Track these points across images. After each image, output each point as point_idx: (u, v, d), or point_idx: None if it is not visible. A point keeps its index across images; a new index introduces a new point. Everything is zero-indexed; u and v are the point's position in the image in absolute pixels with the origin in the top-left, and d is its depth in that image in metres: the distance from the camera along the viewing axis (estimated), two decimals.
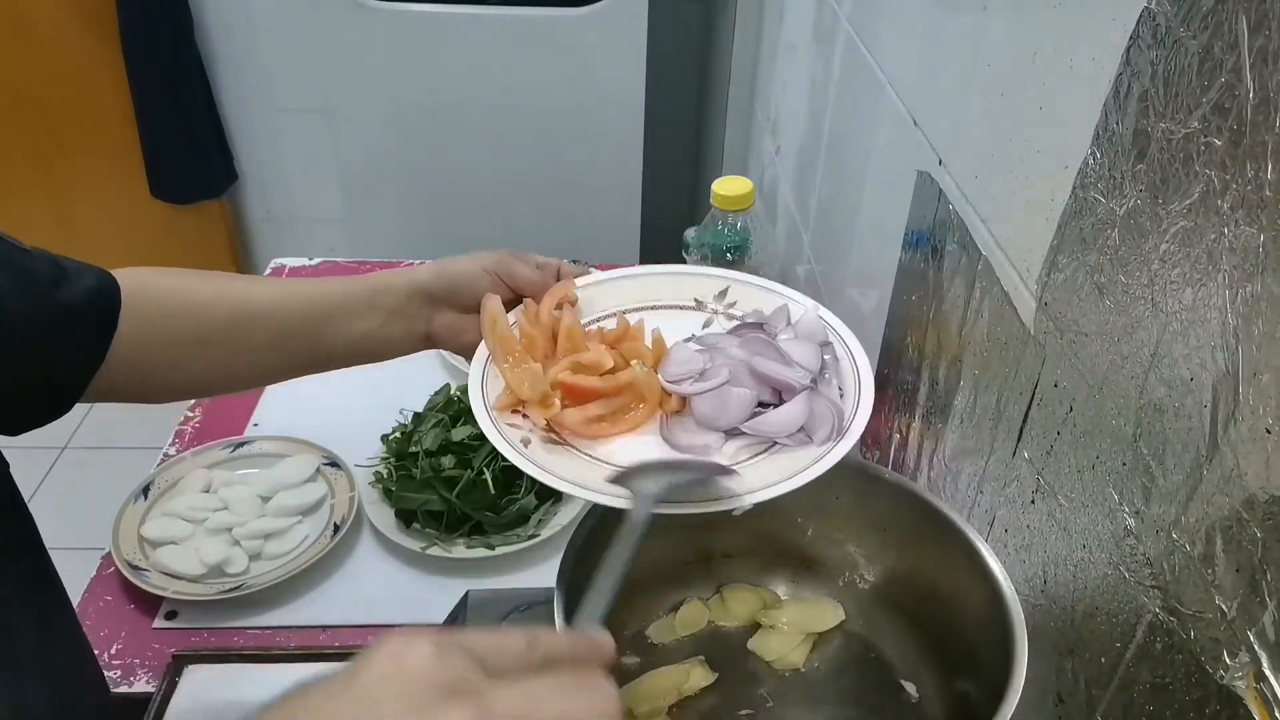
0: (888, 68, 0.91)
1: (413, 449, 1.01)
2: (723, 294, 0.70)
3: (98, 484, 1.40)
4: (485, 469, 0.97)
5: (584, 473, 0.55)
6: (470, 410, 1.01)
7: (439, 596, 0.90)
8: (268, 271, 1.44)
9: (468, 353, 0.67)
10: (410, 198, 1.98)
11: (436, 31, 1.78)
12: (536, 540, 0.97)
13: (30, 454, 2.24)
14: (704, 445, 0.58)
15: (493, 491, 0.96)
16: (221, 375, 0.70)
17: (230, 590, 0.91)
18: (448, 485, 0.97)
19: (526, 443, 0.57)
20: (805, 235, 1.29)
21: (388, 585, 0.95)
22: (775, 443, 0.58)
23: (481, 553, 0.96)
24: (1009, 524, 0.61)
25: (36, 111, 2.27)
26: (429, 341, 0.71)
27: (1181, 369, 0.42)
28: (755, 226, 0.98)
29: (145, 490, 1.01)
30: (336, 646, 0.89)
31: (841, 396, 0.60)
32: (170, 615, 0.91)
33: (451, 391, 1.07)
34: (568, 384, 0.60)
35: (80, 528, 1.14)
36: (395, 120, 1.89)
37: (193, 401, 1.17)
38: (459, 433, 1.00)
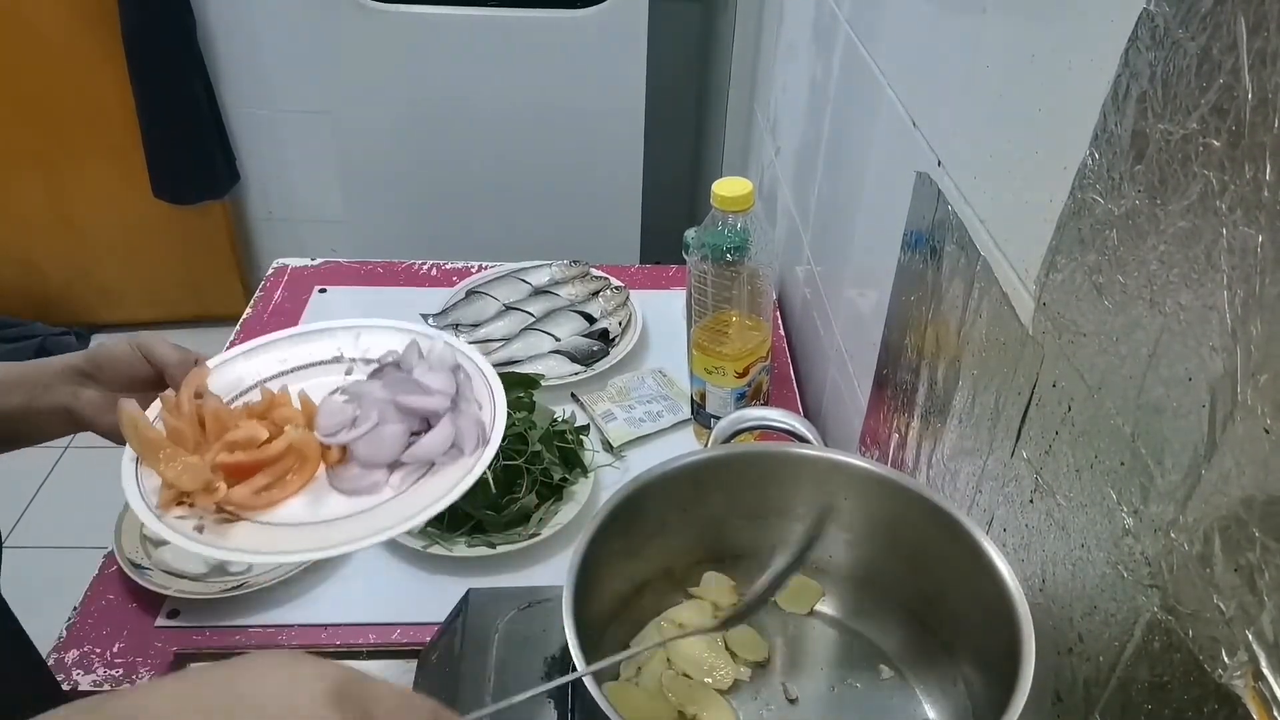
0: (887, 69, 0.91)
1: None
2: (356, 342, 0.74)
3: (101, 483, 1.39)
4: (486, 468, 0.97)
5: (265, 539, 0.59)
6: None
7: (440, 595, 0.89)
8: (270, 272, 1.45)
9: (112, 433, 0.67)
10: (411, 198, 1.98)
11: (438, 33, 1.78)
12: (537, 539, 0.97)
13: (34, 453, 2.22)
14: (372, 484, 0.63)
15: (494, 491, 0.97)
16: None
17: (232, 589, 0.91)
18: None
19: (201, 529, 0.59)
20: (805, 236, 1.29)
21: (389, 584, 0.96)
22: (434, 463, 0.64)
23: (483, 551, 0.96)
24: (1007, 523, 0.61)
25: (39, 113, 2.27)
26: (73, 419, 0.70)
27: (1179, 369, 0.42)
28: (755, 227, 0.99)
29: None
30: (338, 645, 0.89)
31: (480, 409, 0.66)
32: (172, 614, 0.92)
33: None
34: (228, 464, 0.62)
35: (83, 527, 1.14)
36: (397, 121, 1.89)
37: None
38: None
